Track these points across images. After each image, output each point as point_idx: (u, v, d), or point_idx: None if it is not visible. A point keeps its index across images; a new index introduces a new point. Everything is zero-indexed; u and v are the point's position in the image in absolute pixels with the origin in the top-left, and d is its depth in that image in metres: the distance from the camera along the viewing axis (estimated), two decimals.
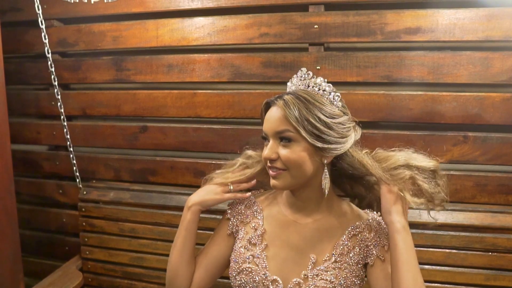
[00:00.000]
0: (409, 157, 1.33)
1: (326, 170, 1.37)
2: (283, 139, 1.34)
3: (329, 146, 1.32)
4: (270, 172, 1.39)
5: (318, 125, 1.30)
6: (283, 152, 1.34)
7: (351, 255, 1.40)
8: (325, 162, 1.36)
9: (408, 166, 1.31)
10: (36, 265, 2.91)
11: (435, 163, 1.33)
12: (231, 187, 1.55)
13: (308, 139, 1.31)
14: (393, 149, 1.40)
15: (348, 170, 1.40)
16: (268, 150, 1.37)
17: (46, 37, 2.46)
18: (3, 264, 2.23)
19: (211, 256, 1.58)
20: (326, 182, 1.38)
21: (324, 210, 1.46)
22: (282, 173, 1.36)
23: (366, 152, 1.39)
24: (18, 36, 2.71)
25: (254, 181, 1.58)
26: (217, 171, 1.63)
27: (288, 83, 1.45)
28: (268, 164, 1.39)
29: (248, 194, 1.57)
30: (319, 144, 1.31)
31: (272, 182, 1.40)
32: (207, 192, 1.55)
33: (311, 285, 1.37)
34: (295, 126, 1.31)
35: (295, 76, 1.43)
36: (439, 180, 1.33)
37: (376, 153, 1.39)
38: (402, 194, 1.30)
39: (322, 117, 1.31)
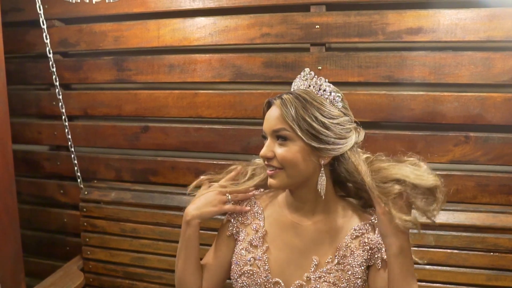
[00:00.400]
0: (404, 173, 1.24)
1: (322, 171, 1.36)
2: (280, 137, 1.34)
3: (326, 146, 1.31)
4: (268, 171, 1.39)
5: (314, 124, 1.30)
6: (279, 150, 1.34)
7: (354, 257, 1.39)
8: (322, 163, 1.35)
9: (400, 182, 1.24)
10: (37, 265, 2.92)
11: (433, 181, 1.22)
12: (229, 197, 1.52)
13: (304, 138, 1.30)
14: (395, 158, 1.35)
15: (341, 173, 1.39)
16: (265, 148, 1.37)
17: (48, 37, 2.46)
18: (4, 264, 2.23)
19: (216, 261, 1.57)
20: (321, 183, 1.37)
21: (325, 211, 1.44)
22: (278, 172, 1.36)
23: (367, 156, 1.37)
24: (19, 36, 2.71)
25: (252, 192, 1.56)
26: (218, 177, 1.62)
27: (292, 83, 1.45)
28: (265, 162, 1.39)
29: (247, 208, 1.54)
30: (315, 144, 1.30)
31: (269, 181, 1.40)
32: (205, 204, 1.51)
33: (314, 287, 1.37)
34: (291, 125, 1.31)
35: (298, 76, 1.42)
36: (439, 195, 1.25)
37: (375, 160, 1.35)
38: (387, 209, 1.25)
39: (320, 117, 1.30)
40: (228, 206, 1.52)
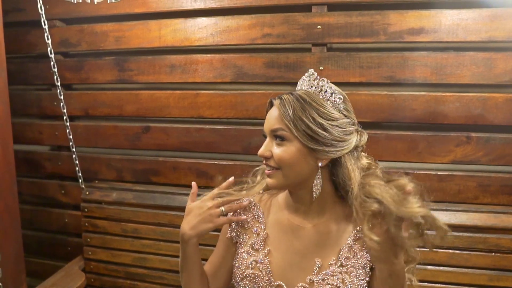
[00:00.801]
0: (385, 195, 1.16)
1: (319, 173, 1.35)
2: (277, 137, 1.34)
3: (323, 148, 1.30)
4: (266, 170, 1.39)
5: (311, 125, 1.29)
6: (276, 150, 1.34)
7: (357, 258, 1.38)
8: (319, 164, 1.34)
9: (380, 202, 1.17)
10: (38, 265, 2.92)
11: (414, 212, 1.10)
12: (223, 209, 1.48)
13: (300, 138, 1.30)
14: (390, 174, 1.29)
15: (335, 176, 1.38)
16: (263, 147, 1.37)
17: (49, 37, 2.45)
18: (6, 265, 2.23)
19: (219, 264, 1.57)
20: (316, 185, 1.36)
21: (325, 213, 1.43)
22: (275, 172, 1.36)
23: (368, 163, 1.36)
24: (21, 36, 2.71)
25: (246, 202, 1.53)
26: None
27: (297, 83, 1.45)
28: (264, 162, 1.39)
29: (244, 217, 1.52)
30: (312, 145, 1.30)
31: (267, 180, 1.40)
32: (200, 221, 1.46)
33: None
34: (288, 125, 1.31)
35: (303, 76, 1.42)
36: (432, 224, 1.15)
37: (369, 174, 1.31)
38: (360, 223, 1.22)
39: (318, 118, 1.30)
40: (224, 219, 1.48)
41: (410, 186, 1.14)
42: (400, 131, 2.19)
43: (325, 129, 1.30)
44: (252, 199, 1.55)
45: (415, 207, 1.11)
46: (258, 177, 1.58)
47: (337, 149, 1.32)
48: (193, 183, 1.54)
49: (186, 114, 2.47)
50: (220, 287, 1.58)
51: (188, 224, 1.46)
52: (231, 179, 1.54)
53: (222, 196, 1.52)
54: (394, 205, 1.12)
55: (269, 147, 1.36)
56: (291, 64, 2.26)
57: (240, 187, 1.57)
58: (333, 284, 1.35)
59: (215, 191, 1.52)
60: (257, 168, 1.60)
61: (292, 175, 1.35)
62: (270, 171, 1.37)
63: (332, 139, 1.31)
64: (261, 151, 1.37)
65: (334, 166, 1.36)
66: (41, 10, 2.39)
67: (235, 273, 1.48)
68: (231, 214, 1.52)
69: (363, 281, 1.37)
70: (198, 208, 1.47)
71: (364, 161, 1.37)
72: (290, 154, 1.32)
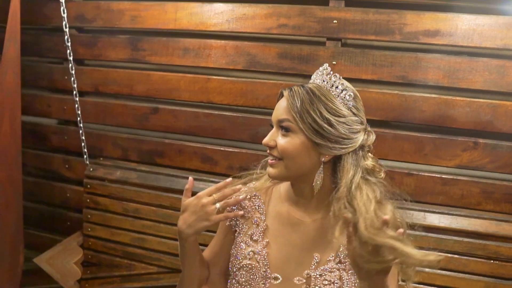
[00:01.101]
0: (363, 211, 1.14)
1: (321, 168, 1.34)
2: (283, 128, 1.33)
3: (327, 144, 1.30)
4: (269, 160, 1.39)
5: (318, 119, 1.28)
6: (281, 141, 1.33)
7: None
8: (322, 160, 1.33)
9: (355, 214, 1.14)
10: (36, 237, 2.92)
11: (373, 240, 1.05)
12: (218, 206, 1.42)
13: (305, 131, 1.29)
14: (384, 200, 1.25)
15: (331, 174, 1.37)
16: (268, 136, 1.37)
17: (65, 11, 2.45)
18: (4, 234, 2.24)
19: (218, 252, 1.56)
20: (317, 180, 1.35)
21: (325, 208, 1.39)
22: (277, 163, 1.35)
23: (373, 165, 1.34)
24: (37, 8, 2.71)
25: (243, 197, 1.48)
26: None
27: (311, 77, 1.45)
28: (268, 151, 1.38)
29: (241, 213, 1.48)
30: (316, 140, 1.29)
31: (268, 169, 1.39)
32: (196, 219, 1.42)
33: (314, 285, 1.37)
34: (294, 117, 1.30)
35: (317, 70, 1.42)
36: (407, 260, 1.08)
37: (375, 183, 1.30)
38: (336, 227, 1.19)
39: (325, 112, 1.29)
40: (220, 216, 1.44)
41: (388, 216, 1.07)
42: (408, 132, 2.19)
43: (331, 125, 1.29)
44: (252, 191, 1.53)
45: (383, 236, 1.05)
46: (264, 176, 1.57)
47: (341, 146, 1.31)
48: (190, 178, 1.50)
49: (195, 98, 2.47)
50: (220, 272, 1.57)
51: (185, 223, 1.43)
52: (229, 179, 1.49)
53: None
54: (363, 224, 1.09)
55: (274, 137, 1.35)
56: (305, 56, 2.26)
57: (249, 178, 1.57)
58: (330, 280, 1.35)
59: (212, 188, 1.47)
60: (266, 159, 1.59)
61: (293, 167, 1.34)
62: (273, 161, 1.36)
63: (337, 136, 1.30)
64: (265, 140, 1.36)
65: (336, 164, 1.36)
66: None
67: (233, 262, 1.47)
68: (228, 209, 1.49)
69: None
70: (194, 206, 1.43)
71: (369, 162, 1.35)
72: (294, 145, 1.31)
